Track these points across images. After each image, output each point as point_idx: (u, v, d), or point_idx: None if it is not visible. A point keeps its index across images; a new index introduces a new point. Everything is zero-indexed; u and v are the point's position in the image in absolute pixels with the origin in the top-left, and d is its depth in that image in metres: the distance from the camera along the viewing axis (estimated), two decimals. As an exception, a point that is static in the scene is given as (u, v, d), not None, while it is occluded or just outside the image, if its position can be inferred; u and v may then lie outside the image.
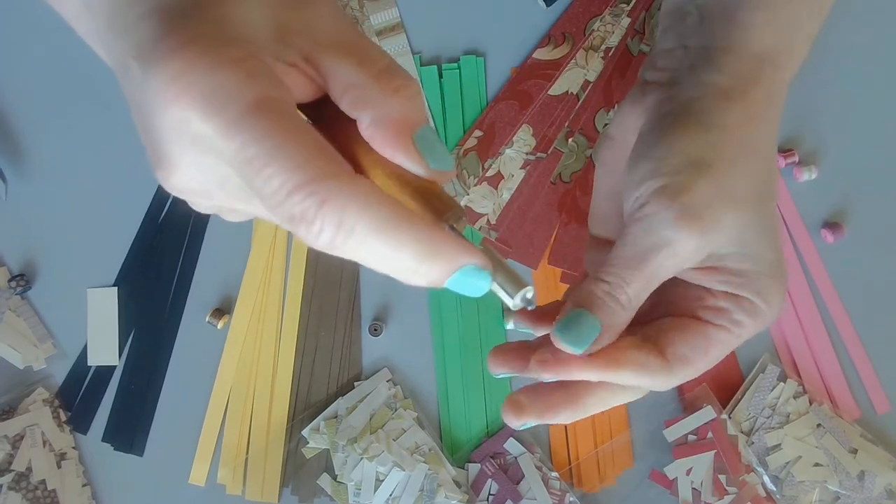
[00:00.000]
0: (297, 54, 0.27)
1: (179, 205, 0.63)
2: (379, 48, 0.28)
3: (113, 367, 0.61)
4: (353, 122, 0.27)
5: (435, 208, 0.27)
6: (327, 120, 0.29)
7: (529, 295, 0.28)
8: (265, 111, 0.24)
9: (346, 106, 0.27)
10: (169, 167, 0.27)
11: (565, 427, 0.61)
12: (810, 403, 0.60)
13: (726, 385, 0.61)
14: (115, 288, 0.62)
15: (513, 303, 0.28)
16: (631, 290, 0.32)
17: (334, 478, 0.59)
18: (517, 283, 0.27)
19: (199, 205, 0.30)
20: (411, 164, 0.27)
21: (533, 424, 0.34)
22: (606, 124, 0.64)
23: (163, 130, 0.26)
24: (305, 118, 0.29)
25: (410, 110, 0.27)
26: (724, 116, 0.34)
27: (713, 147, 0.33)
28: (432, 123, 0.64)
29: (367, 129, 0.27)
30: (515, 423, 0.34)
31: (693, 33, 0.38)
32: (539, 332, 0.36)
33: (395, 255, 0.25)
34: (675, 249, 0.32)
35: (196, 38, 0.25)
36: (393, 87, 0.27)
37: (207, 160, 0.26)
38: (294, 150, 0.24)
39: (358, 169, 0.28)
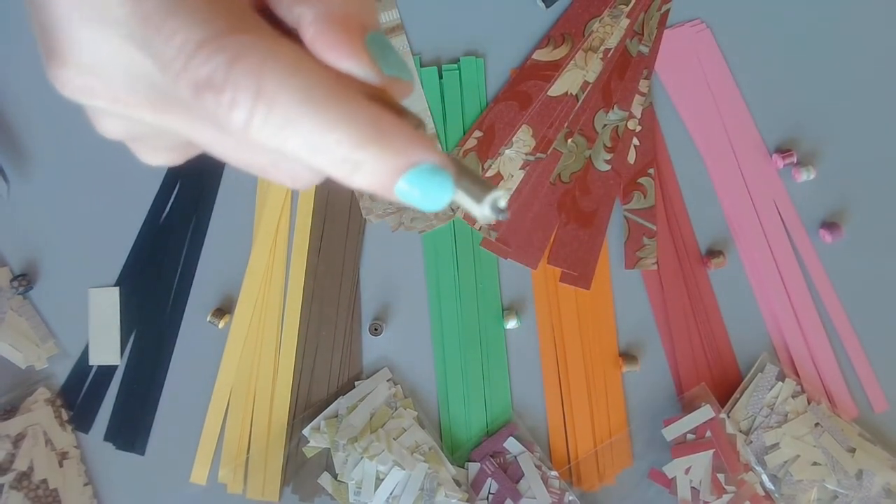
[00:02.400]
0: None
1: (181, 204, 0.63)
2: None
3: (114, 367, 0.61)
4: (295, 40, 0.23)
5: None
6: None
7: (502, 203, 0.23)
8: None
9: (285, 4, 0.22)
10: (61, 54, 0.22)
11: (565, 426, 0.61)
12: (808, 402, 0.60)
13: (725, 384, 0.62)
14: (117, 288, 0.62)
15: (481, 212, 0.23)
16: None
17: (335, 477, 0.59)
18: (484, 188, 0.23)
19: (104, 123, 0.25)
20: (361, 69, 0.22)
21: None
22: (605, 125, 0.65)
23: (51, 3, 0.22)
24: None
25: (361, 8, 0.22)
26: None
27: None
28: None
29: (310, 27, 0.22)
30: None
31: None
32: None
33: (329, 139, 0.20)
34: None
35: None
36: None
37: (107, 39, 0.21)
38: (201, 2, 0.20)
39: None
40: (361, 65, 0.22)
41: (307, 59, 0.20)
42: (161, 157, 0.26)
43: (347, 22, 0.22)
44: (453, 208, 0.62)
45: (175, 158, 0.26)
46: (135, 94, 0.22)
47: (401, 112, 0.23)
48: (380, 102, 0.22)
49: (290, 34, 0.22)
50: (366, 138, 0.20)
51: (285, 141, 0.20)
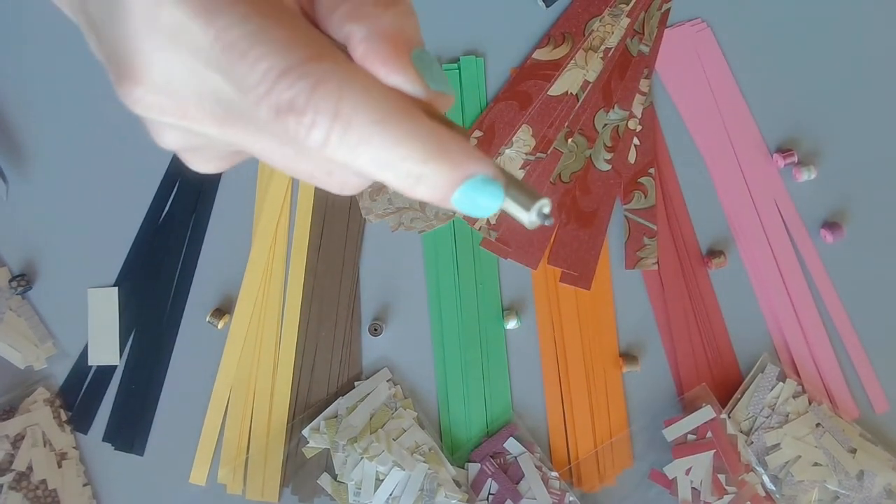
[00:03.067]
0: None
1: (180, 204, 0.63)
2: None
3: (113, 367, 0.61)
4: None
5: None
6: None
7: (546, 209, 0.24)
8: None
9: (336, 22, 0.24)
10: (137, 74, 0.24)
11: (565, 427, 0.61)
12: (809, 403, 0.60)
13: (726, 385, 0.62)
14: (116, 288, 0.62)
15: (528, 219, 0.24)
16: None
17: (334, 477, 0.59)
18: (532, 196, 0.24)
19: (165, 135, 0.26)
20: (409, 84, 0.24)
21: None
22: (605, 125, 0.64)
23: (126, 25, 0.23)
24: None
25: (407, 26, 0.24)
26: None
27: None
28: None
29: (361, 44, 0.23)
30: None
31: None
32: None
33: (397, 155, 0.22)
34: None
35: None
36: (388, 1, 0.24)
37: (183, 61, 0.23)
38: (283, 31, 0.21)
39: None
40: (409, 80, 0.23)
41: (376, 82, 0.22)
42: (213, 165, 0.28)
43: (396, 39, 0.23)
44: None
45: (224, 166, 0.28)
46: (203, 111, 0.24)
47: (450, 124, 0.24)
48: (431, 116, 0.24)
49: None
50: (429, 154, 0.22)
51: (357, 157, 0.22)
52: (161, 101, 0.24)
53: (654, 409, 0.61)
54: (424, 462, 0.58)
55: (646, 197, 0.64)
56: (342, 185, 0.26)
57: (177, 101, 0.24)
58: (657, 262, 0.63)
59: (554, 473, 0.59)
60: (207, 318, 0.61)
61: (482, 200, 0.23)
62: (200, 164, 0.28)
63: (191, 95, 0.24)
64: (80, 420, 0.61)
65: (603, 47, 0.65)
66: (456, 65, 0.65)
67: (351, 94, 0.21)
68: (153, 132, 0.26)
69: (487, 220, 0.63)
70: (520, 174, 0.63)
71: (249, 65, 0.21)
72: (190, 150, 0.27)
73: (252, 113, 0.22)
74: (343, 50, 0.24)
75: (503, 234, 0.62)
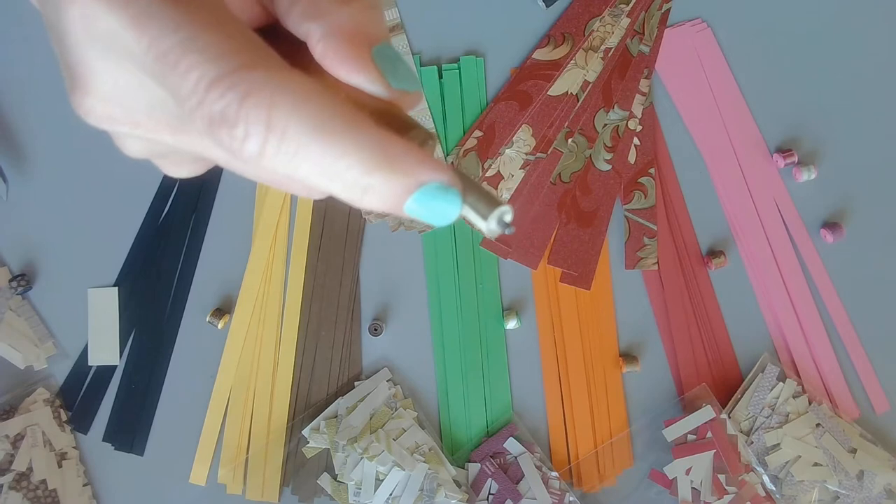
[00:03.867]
0: None
1: (180, 204, 0.63)
2: None
3: (113, 367, 0.61)
4: (305, 50, 0.23)
5: (396, 131, 0.23)
6: (280, 50, 0.24)
7: (508, 217, 0.23)
8: None
9: (294, 20, 0.23)
10: (83, 84, 0.23)
11: (565, 427, 0.61)
12: (809, 403, 0.60)
13: (726, 384, 0.62)
14: (116, 288, 0.62)
15: (487, 227, 0.23)
16: None
17: (334, 477, 0.59)
18: (491, 203, 0.23)
19: (128, 145, 0.26)
20: (369, 83, 0.23)
21: None
22: (606, 125, 0.64)
23: (69, 35, 0.22)
24: None
25: (368, 21, 0.23)
26: None
27: None
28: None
29: (319, 44, 0.23)
30: None
31: None
32: None
33: (339, 166, 0.21)
34: None
35: None
36: None
37: (126, 71, 0.22)
38: (215, 40, 0.20)
39: None
40: (369, 79, 0.22)
41: (316, 89, 0.21)
42: (185, 170, 0.27)
43: (354, 37, 0.22)
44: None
45: (198, 170, 0.28)
46: (154, 120, 0.23)
47: (409, 125, 0.23)
48: (388, 116, 0.23)
49: (301, 47, 0.23)
50: (374, 163, 0.21)
51: (297, 168, 0.21)
52: (111, 111, 0.24)
53: (654, 409, 0.61)
54: (424, 462, 0.58)
55: (646, 197, 0.64)
56: (307, 191, 0.25)
57: (127, 110, 0.24)
58: (657, 263, 0.63)
59: (554, 473, 0.59)
60: (207, 318, 0.61)
61: (438, 208, 0.22)
62: (172, 170, 0.27)
63: (140, 105, 0.23)
64: (80, 420, 0.61)
65: (603, 47, 0.65)
66: (456, 65, 0.65)
67: (284, 102, 0.20)
68: (116, 142, 0.26)
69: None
70: (520, 174, 0.63)
71: (181, 75, 0.20)
72: (157, 157, 0.26)
73: (192, 123, 0.22)
74: (305, 49, 0.23)
75: (503, 234, 0.62)
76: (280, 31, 0.24)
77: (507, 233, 0.23)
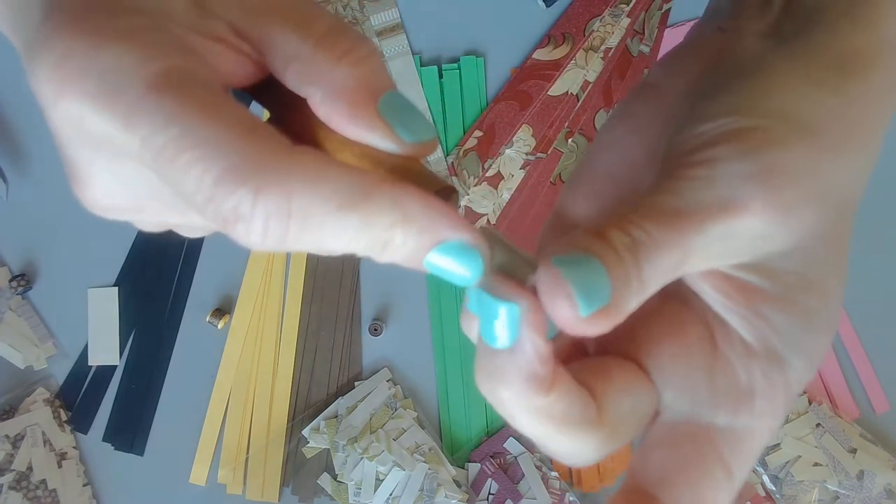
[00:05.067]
0: (223, 25, 0.22)
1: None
2: (320, 6, 0.23)
3: (113, 367, 0.61)
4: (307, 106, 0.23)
5: (415, 183, 0.22)
6: (282, 104, 0.24)
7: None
8: (171, 87, 0.19)
9: (291, 83, 0.22)
10: (82, 180, 0.23)
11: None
12: (810, 403, 0.60)
13: (726, 385, 0.61)
14: (116, 288, 0.62)
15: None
16: (656, 264, 0.20)
17: (334, 477, 0.59)
18: (525, 266, 0.21)
19: (143, 223, 0.25)
20: (380, 141, 0.22)
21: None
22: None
23: (61, 135, 0.21)
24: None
25: (366, 76, 0.22)
26: (841, 83, 0.23)
27: (822, 108, 0.22)
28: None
29: (320, 107, 0.22)
30: None
31: None
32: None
33: (363, 232, 0.20)
34: (739, 222, 0.21)
35: (84, 14, 0.20)
36: (339, 52, 0.22)
37: (123, 165, 0.21)
38: (212, 130, 0.19)
39: None
40: (379, 136, 0.22)
41: (327, 163, 0.20)
42: (200, 232, 0.27)
43: (355, 94, 0.21)
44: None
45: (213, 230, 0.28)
46: (162, 203, 0.23)
47: (426, 178, 0.23)
48: (404, 169, 0.22)
49: (303, 103, 0.22)
50: (390, 224, 0.20)
51: (319, 244, 0.20)
52: (115, 203, 0.23)
53: (655, 410, 0.61)
54: (424, 462, 0.58)
55: (646, 197, 0.64)
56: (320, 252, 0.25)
57: (131, 199, 0.23)
58: (657, 262, 0.63)
59: (554, 473, 0.59)
60: (207, 318, 0.61)
61: (456, 268, 0.21)
62: (190, 234, 0.27)
63: (144, 192, 0.22)
64: (80, 420, 0.61)
65: (603, 47, 0.65)
66: (456, 65, 0.65)
67: (302, 189, 0.19)
68: (135, 224, 0.25)
69: (488, 220, 0.63)
70: (520, 174, 0.63)
71: (181, 172, 0.19)
72: (174, 227, 0.26)
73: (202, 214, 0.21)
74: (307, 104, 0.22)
75: (504, 232, 0.62)
76: (279, 84, 0.23)
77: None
